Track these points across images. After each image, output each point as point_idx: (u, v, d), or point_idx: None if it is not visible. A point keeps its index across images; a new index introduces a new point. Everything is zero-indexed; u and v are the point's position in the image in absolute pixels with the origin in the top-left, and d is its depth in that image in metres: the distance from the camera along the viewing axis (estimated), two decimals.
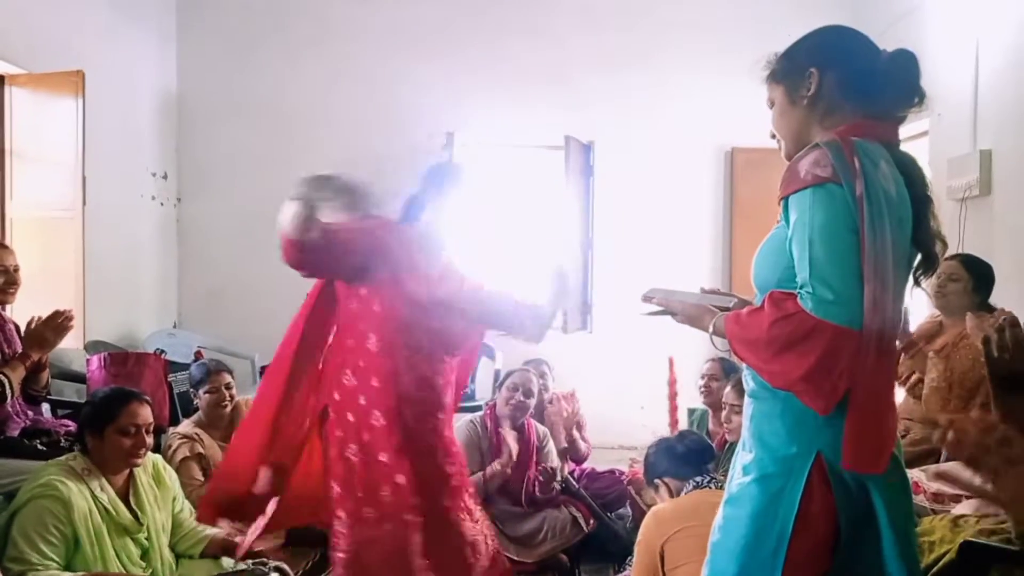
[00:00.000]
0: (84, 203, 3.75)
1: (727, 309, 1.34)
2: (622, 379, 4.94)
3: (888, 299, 1.15)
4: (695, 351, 3.07)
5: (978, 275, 2.76)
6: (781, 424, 1.26)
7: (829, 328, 1.14)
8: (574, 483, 3.28)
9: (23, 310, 2.66)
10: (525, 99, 5.13)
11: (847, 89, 1.29)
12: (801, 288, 1.18)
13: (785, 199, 1.23)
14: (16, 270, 2.62)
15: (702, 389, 3.27)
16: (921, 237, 1.27)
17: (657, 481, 2.19)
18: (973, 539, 1.79)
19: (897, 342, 1.23)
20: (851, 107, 1.29)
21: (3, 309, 2.68)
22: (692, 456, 2.14)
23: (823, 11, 4.61)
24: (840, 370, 1.15)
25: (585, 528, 3.13)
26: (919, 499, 2.44)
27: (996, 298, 2.81)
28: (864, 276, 1.14)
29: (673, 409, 3.73)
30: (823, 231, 1.17)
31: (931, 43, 4.06)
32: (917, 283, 1.30)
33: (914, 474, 2.49)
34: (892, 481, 1.26)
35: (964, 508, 2.15)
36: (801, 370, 1.16)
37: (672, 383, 3.46)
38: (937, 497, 2.37)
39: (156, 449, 2.67)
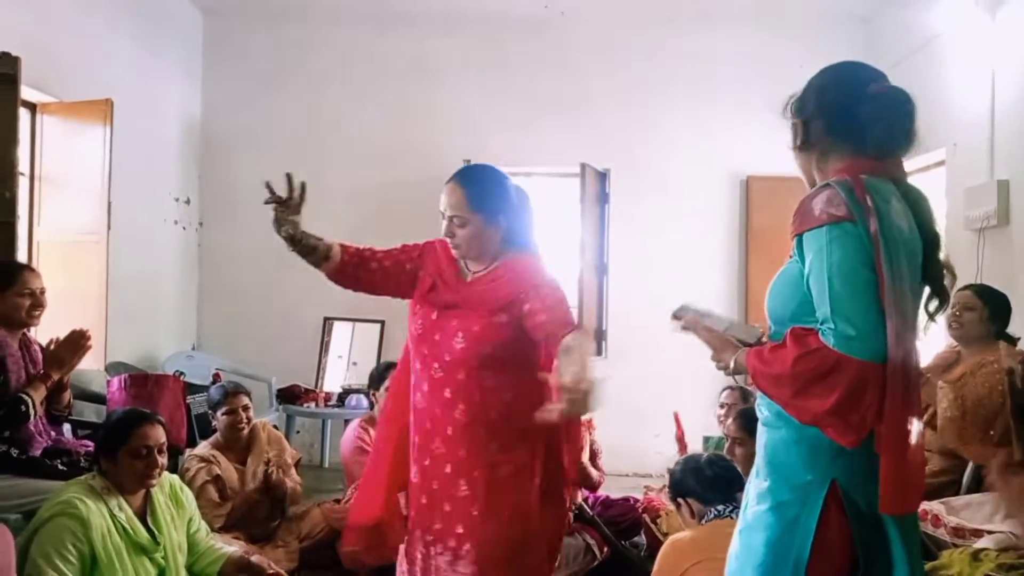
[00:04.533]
0: (109, 227, 3.83)
1: (749, 344, 1.35)
2: (636, 406, 4.89)
3: (909, 333, 1.18)
4: (712, 377, 3.05)
5: (993, 304, 2.75)
6: (796, 452, 1.26)
7: (853, 363, 1.16)
8: (588, 510, 3.25)
9: (48, 332, 2.71)
10: (541, 127, 5.20)
11: (834, 134, 1.33)
12: (822, 324, 1.20)
13: (799, 236, 1.26)
14: (43, 292, 2.65)
15: (720, 417, 3.24)
16: (931, 272, 1.29)
17: (680, 500, 2.16)
18: (992, 574, 1.77)
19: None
20: (845, 147, 1.32)
21: (28, 331, 2.72)
22: (720, 483, 2.10)
23: (838, 43, 4.65)
24: (867, 403, 1.17)
25: (599, 556, 3.09)
26: (940, 532, 2.41)
27: (1017, 328, 2.79)
28: (885, 312, 1.17)
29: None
30: (841, 268, 1.19)
31: (947, 74, 4.08)
32: (932, 318, 1.31)
33: (934, 507, 2.46)
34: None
35: (985, 542, 2.13)
36: (827, 405, 1.17)
37: (680, 439, 3.41)
38: (958, 531, 2.34)
39: (173, 470, 2.70)
